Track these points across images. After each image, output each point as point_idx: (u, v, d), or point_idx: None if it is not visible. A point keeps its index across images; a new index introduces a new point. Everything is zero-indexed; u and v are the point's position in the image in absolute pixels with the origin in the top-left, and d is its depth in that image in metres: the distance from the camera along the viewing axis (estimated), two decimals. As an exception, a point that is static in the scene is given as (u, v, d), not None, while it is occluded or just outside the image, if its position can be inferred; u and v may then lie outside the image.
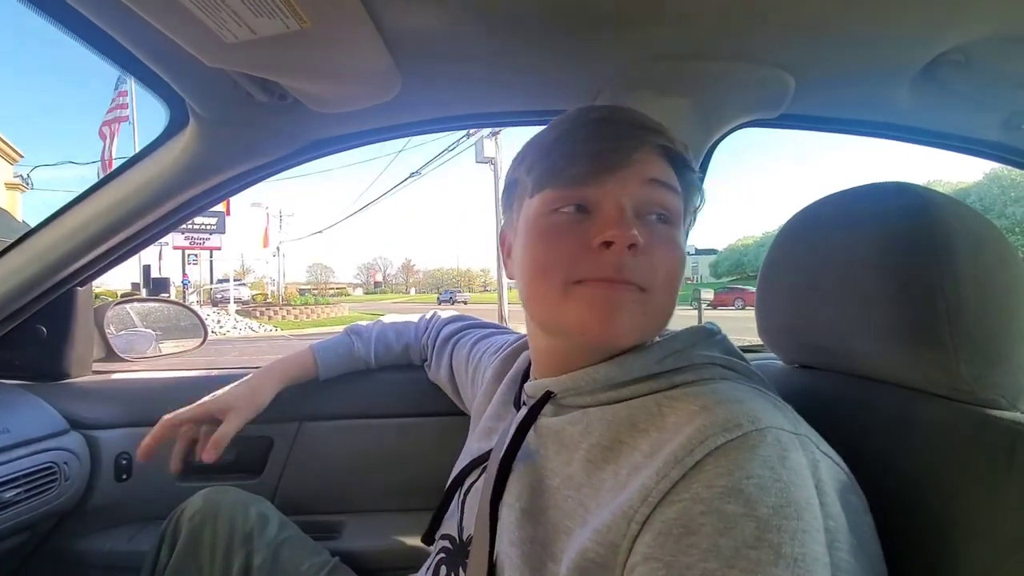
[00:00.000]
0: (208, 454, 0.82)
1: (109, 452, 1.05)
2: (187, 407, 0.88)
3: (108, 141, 13.54)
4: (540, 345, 0.57)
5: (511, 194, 0.58)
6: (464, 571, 0.54)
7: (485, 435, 0.67)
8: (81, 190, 0.93)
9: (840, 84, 0.84)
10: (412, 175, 17.53)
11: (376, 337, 1.05)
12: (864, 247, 0.50)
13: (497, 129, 14.56)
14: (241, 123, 0.81)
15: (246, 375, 1.20)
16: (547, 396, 0.53)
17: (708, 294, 14.38)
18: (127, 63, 0.71)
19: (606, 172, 0.48)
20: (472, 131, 14.46)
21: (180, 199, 0.92)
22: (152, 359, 1.37)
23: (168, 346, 1.42)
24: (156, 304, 1.52)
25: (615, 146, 0.49)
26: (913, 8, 0.67)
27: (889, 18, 0.69)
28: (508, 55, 0.76)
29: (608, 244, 0.46)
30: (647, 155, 0.49)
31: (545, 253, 0.49)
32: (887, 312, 0.47)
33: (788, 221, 0.62)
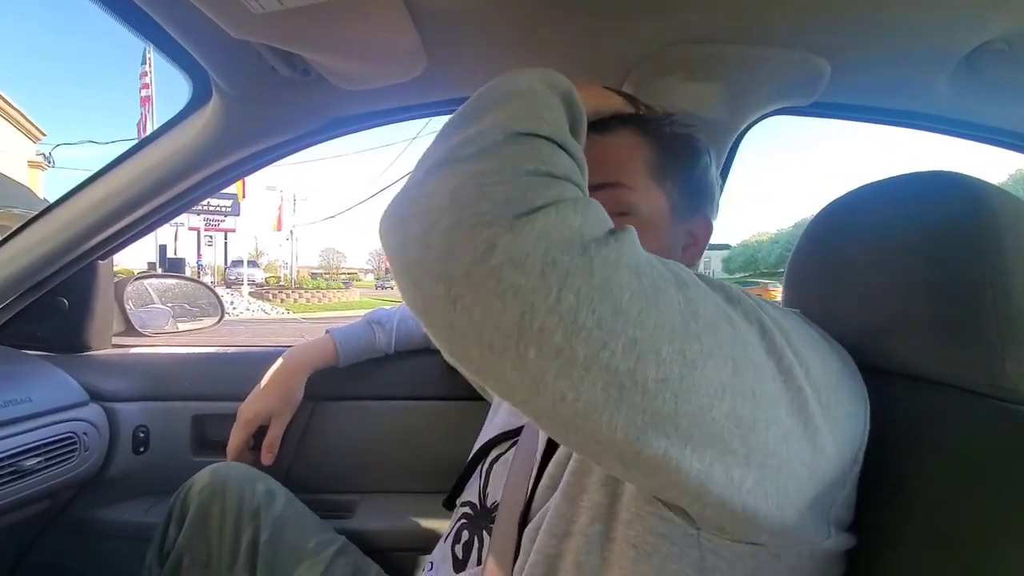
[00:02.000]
0: (268, 458, 0.97)
1: (127, 425, 1.07)
2: (238, 422, 0.97)
3: (143, 121, 13.71)
4: None
5: None
6: (488, 534, 0.55)
7: (512, 411, 0.68)
8: (102, 170, 0.94)
9: (877, 72, 0.81)
10: (426, 162, 17.48)
11: (398, 326, 1.05)
12: (904, 238, 0.48)
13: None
14: (264, 98, 0.80)
15: (261, 354, 1.21)
16: None
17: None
18: (151, 33, 0.70)
19: None
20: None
21: (202, 174, 0.91)
22: (170, 335, 1.39)
23: (185, 323, 1.44)
24: (174, 281, 1.53)
25: None
26: None
27: (931, 3, 0.66)
28: (535, 35, 0.75)
29: None
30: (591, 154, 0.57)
31: None
32: (927, 306, 0.46)
33: (822, 210, 0.60)
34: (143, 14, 0.64)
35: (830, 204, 0.59)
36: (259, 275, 25.15)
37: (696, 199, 0.60)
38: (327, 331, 1.05)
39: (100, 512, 1.05)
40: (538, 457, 0.54)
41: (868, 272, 0.51)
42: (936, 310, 0.45)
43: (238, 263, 25.02)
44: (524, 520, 0.50)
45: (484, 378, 0.31)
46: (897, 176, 0.53)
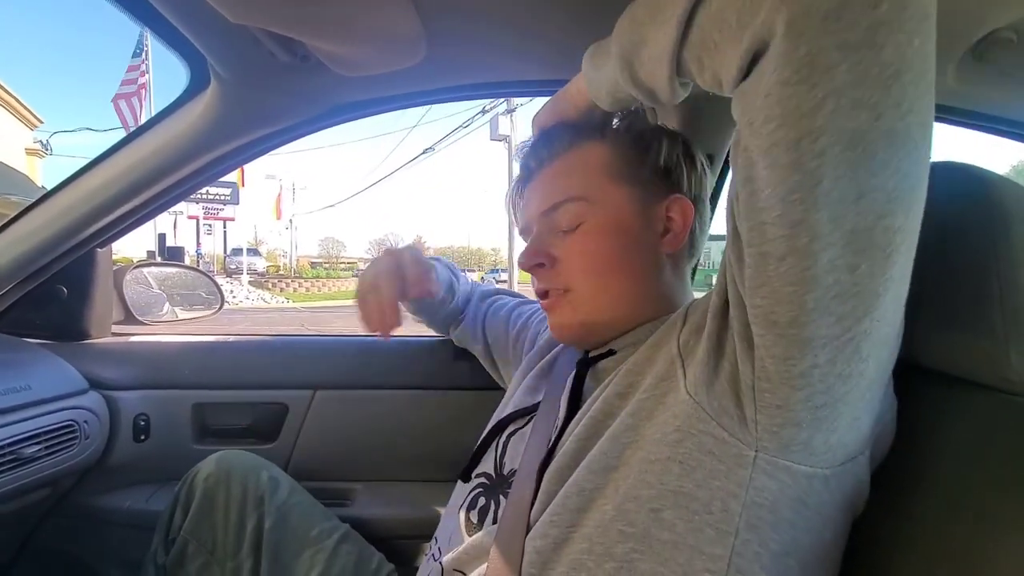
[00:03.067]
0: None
1: (128, 413, 1.07)
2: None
3: (130, 113, 13.52)
4: None
5: None
6: (504, 497, 0.57)
7: (530, 391, 0.71)
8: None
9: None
10: (425, 151, 17.44)
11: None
12: None
13: (513, 107, 14.40)
14: (262, 84, 0.79)
15: (260, 342, 1.21)
16: (609, 352, 0.60)
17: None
18: (149, 19, 0.69)
19: (520, 212, 0.67)
20: (488, 107, 14.30)
21: (200, 162, 0.90)
22: (169, 323, 1.39)
23: (185, 312, 1.43)
24: (174, 270, 1.53)
25: (527, 185, 0.66)
26: None
27: None
28: (538, 22, 0.74)
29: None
30: (544, 182, 0.63)
31: None
32: (934, 297, 0.45)
33: None
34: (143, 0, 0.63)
35: None
36: (261, 264, 24.08)
37: (661, 184, 0.61)
38: None
39: (102, 500, 1.06)
40: (559, 422, 0.57)
41: None
42: (943, 301, 0.45)
43: (238, 251, 24.27)
44: (544, 466, 0.53)
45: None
46: None
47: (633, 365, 0.54)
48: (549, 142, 0.63)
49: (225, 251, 24.15)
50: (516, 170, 0.72)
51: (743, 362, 0.40)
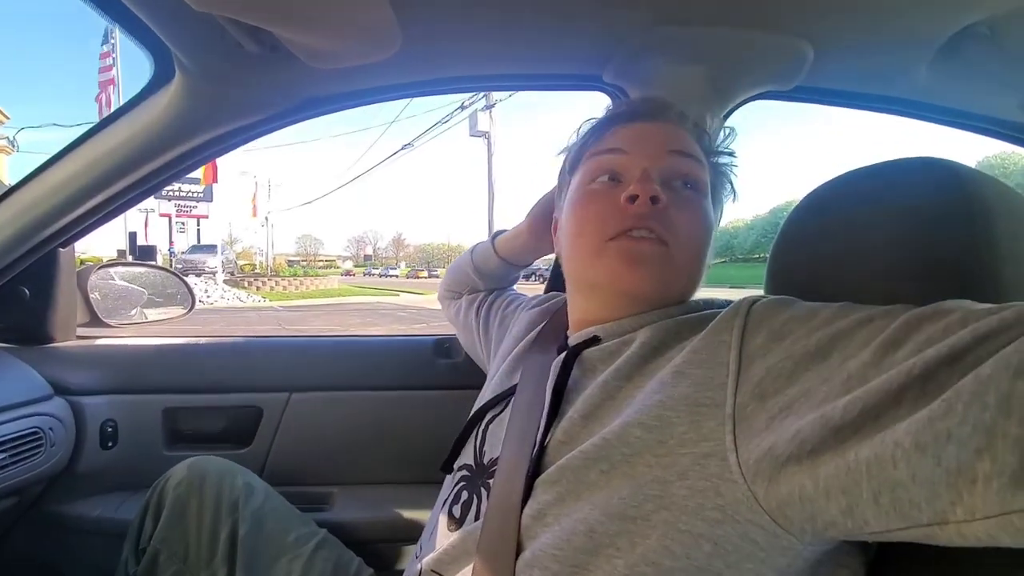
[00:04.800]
0: None
1: (94, 419, 1.03)
2: None
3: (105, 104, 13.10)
4: (578, 306, 0.63)
5: (560, 184, 0.68)
6: (485, 489, 0.55)
7: (507, 376, 0.68)
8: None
9: (860, 56, 0.81)
10: (404, 147, 17.25)
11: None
12: (892, 223, 0.47)
13: (492, 102, 14.33)
14: (230, 76, 0.76)
15: (234, 344, 1.17)
16: (594, 339, 0.57)
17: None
18: (109, 7, 0.66)
19: (633, 143, 0.57)
20: (466, 103, 14.22)
21: (166, 157, 0.87)
22: (138, 325, 1.34)
23: (154, 313, 1.39)
24: (142, 270, 1.48)
25: (640, 122, 0.59)
26: None
27: None
28: (514, 15, 0.72)
29: (633, 199, 0.53)
30: (670, 128, 0.59)
31: (583, 216, 0.58)
32: (918, 293, 0.45)
33: (806, 196, 0.59)
34: None
35: (815, 190, 0.58)
36: (212, 261, 20.03)
37: (717, 211, 0.63)
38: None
39: (71, 508, 1.02)
40: (546, 408, 0.54)
41: (857, 259, 0.50)
42: (928, 296, 0.45)
43: (199, 249, 21.60)
44: (535, 472, 0.49)
45: None
46: (883, 162, 0.52)
47: (632, 368, 0.50)
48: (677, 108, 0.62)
49: (171, 249, 20.66)
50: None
51: None
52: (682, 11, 0.71)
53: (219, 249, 21.17)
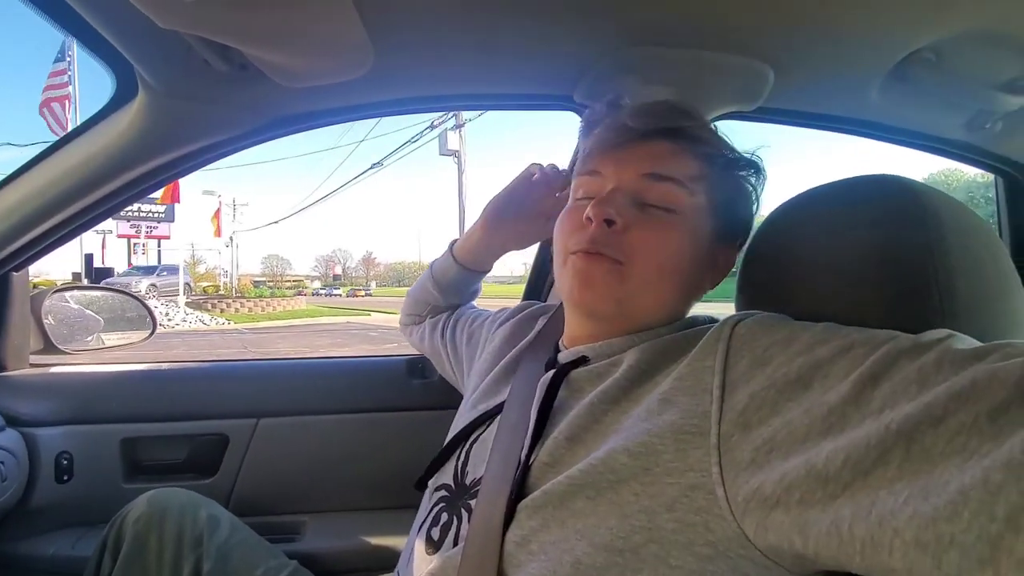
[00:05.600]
0: None
1: (49, 451, 0.98)
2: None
3: (57, 124, 12.59)
4: (569, 321, 0.64)
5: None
6: (466, 511, 0.53)
7: (490, 394, 0.68)
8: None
9: (818, 78, 0.84)
10: (373, 166, 17.19)
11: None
12: (853, 239, 0.49)
13: (462, 121, 14.45)
14: (196, 95, 0.75)
15: (197, 369, 1.13)
16: (582, 359, 0.57)
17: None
18: (69, 23, 0.64)
19: (609, 166, 0.58)
20: (436, 123, 14.29)
21: (127, 177, 0.84)
22: (95, 352, 1.28)
23: (112, 338, 1.33)
24: (99, 293, 1.42)
25: (620, 139, 0.58)
26: (888, 2, 0.67)
27: (867, 12, 0.69)
28: (487, 34, 0.73)
29: (590, 220, 0.55)
30: (654, 149, 0.57)
31: (557, 230, 0.61)
32: (879, 305, 0.47)
33: (772, 213, 0.61)
34: (59, 1, 0.58)
35: (780, 207, 0.60)
36: (143, 283, 17.38)
37: (733, 230, 0.61)
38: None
39: (23, 546, 0.96)
40: (531, 428, 0.53)
41: (821, 273, 0.52)
42: (887, 306, 0.46)
43: (140, 271, 19.77)
44: (518, 494, 0.48)
45: None
46: (844, 179, 0.55)
47: (619, 391, 0.50)
48: (690, 119, 0.59)
49: (88, 272, 16.22)
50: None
51: None
52: (650, 33, 0.74)
53: (181, 268, 20.37)
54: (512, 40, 0.75)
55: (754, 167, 0.62)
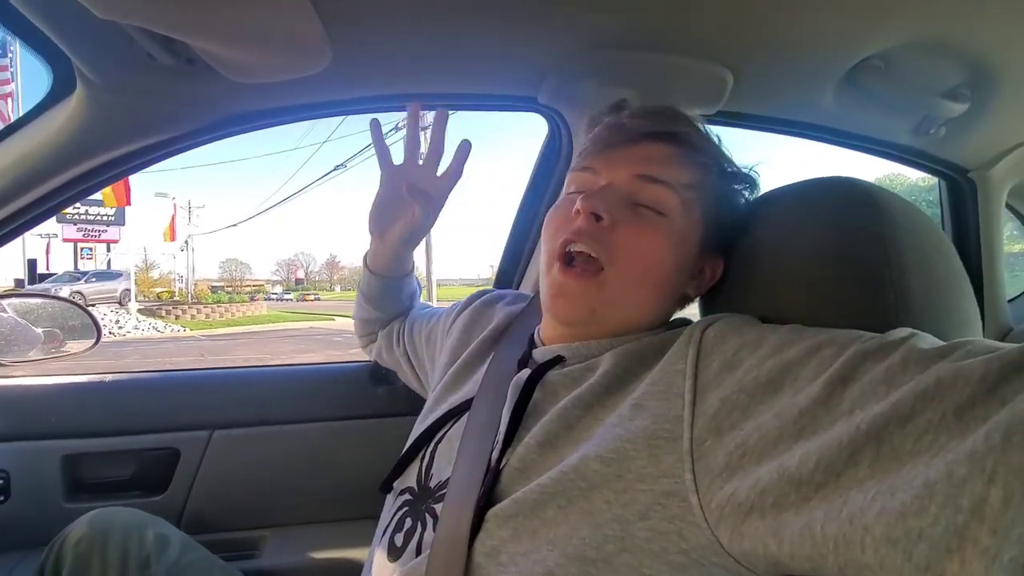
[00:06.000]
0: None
1: None
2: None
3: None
4: (547, 320, 0.63)
5: None
6: (431, 516, 0.52)
7: (452, 391, 0.66)
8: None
9: (774, 83, 0.87)
10: (337, 168, 16.86)
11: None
12: (814, 240, 0.50)
13: (427, 123, 14.31)
14: (140, 89, 0.71)
15: (148, 380, 1.08)
16: (557, 359, 0.57)
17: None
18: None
19: (604, 164, 0.58)
20: (401, 123, 14.13)
21: (64, 177, 0.79)
22: (35, 363, 1.20)
23: (54, 349, 1.25)
24: (40, 301, 1.33)
25: (616, 139, 0.58)
26: (840, 12, 0.70)
27: (819, 20, 0.72)
28: (448, 33, 0.72)
29: (579, 212, 0.54)
30: (651, 150, 0.57)
31: (546, 222, 0.60)
32: (837, 303, 0.48)
33: None
34: None
35: None
36: (65, 291, 14.29)
37: (721, 242, 0.59)
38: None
39: None
40: (502, 431, 0.51)
41: (781, 272, 0.53)
42: (845, 304, 0.47)
43: (65, 277, 17.25)
44: (487, 502, 0.47)
45: None
46: (803, 181, 0.56)
47: (593, 397, 0.49)
48: (689, 126, 0.58)
49: (33, 278, 15.51)
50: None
51: None
52: (613, 36, 0.74)
53: (129, 275, 19.37)
54: (474, 39, 0.74)
55: (750, 182, 0.62)
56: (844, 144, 1.06)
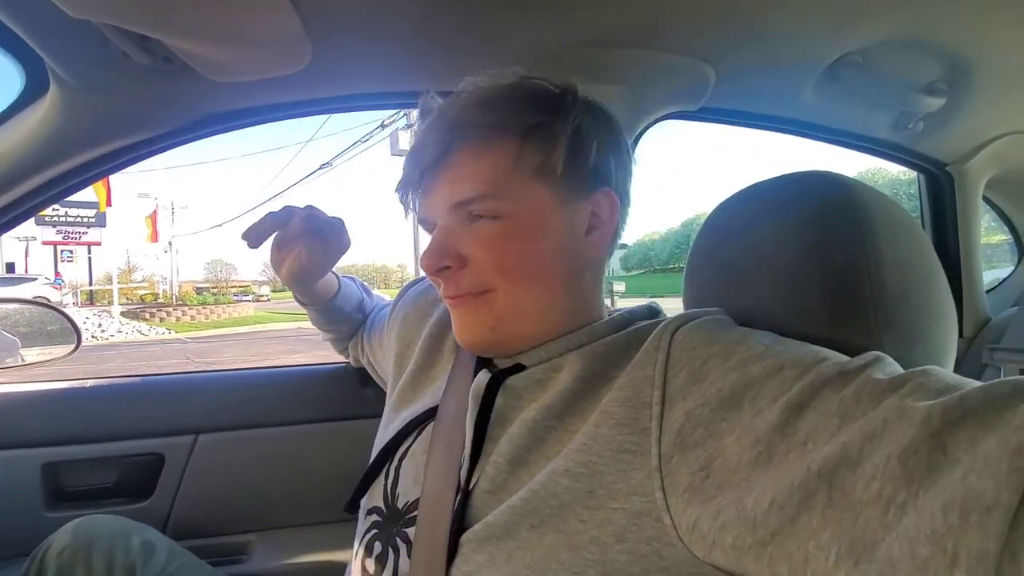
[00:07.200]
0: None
1: None
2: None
3: None
4: None
5: None
6: (403, 540, 0.50)
7: (407, 401, 0.64)
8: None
9: (756, 79, 0.87)
10: (323, 166, 16.74)
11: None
12: (792, 233, 0.51)
13: (413, 121, 14.24)
14: (116, 89, 0.69)
15: (130, 385, 1.06)
16: (518, 367, 0.54)
17: (620, 286, 15.06)
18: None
19: (426, 203, 0.56)
20: (387, 122, 14.05)
21: (39, 179, 0.77)
22: (10, 370, 1.18)
23: (32, 354, 1.22)
24: (16, 305, 1.31)
25: (417, 176, 0.54)
26: (820, 8, 0.70)
27: (800, 16, 0.72)
28: (429, 30, 0.71)
29: None
30: (451, 168, 0.52)
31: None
32: (814, 296, 0.48)
33: (715, 209, 0.62)
34: None
35: (723, 203, 0.61)
36: (34, 289, 13.62)
37: (587, 180, 0.54)
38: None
39: None
40: (468, 447, 0.49)
41: (759, 267, 0.53)
42: (823, 298, 0.48)
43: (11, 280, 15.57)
44: (459, 526, 0.46)
45: None
46: (781, 176, 0.56)
47: (564, 406, 0.48)
48: (463, 128, 0.52)
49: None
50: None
51: None
52: (596, 32, 0.74)
53: (114, 279, 19.11)
54: (455, 37, 0.73)
55: (561, 105, 0.54)
56: (825, 139, 1.07)
